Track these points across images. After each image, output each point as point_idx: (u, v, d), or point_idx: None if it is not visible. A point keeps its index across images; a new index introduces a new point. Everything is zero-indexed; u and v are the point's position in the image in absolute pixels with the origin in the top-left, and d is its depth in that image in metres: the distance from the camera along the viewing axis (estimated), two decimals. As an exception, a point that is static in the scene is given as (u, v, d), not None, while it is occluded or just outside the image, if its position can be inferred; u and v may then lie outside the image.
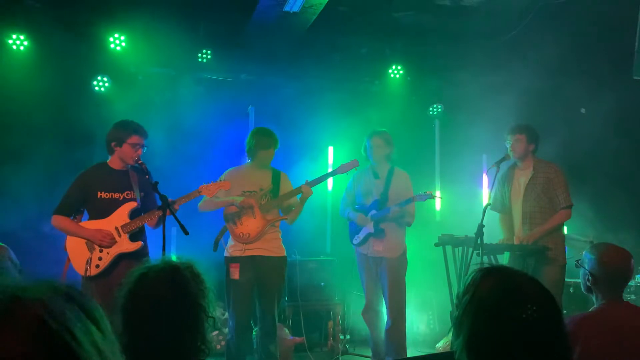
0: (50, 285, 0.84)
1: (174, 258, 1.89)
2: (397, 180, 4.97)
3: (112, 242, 3.87)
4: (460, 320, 1.42)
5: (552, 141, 5.35)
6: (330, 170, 5.68)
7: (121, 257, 3.84)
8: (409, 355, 4.98)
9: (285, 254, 4.57)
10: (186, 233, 3.54)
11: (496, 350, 1.36)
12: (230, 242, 4.48)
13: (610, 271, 2.43)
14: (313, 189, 4.52)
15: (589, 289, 2.49)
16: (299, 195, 4.51)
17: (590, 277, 2.45)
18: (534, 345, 1.35)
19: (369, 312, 4.99)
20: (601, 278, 2.43)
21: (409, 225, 4.98)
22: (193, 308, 1.70)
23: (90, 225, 3.92)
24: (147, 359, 1.63)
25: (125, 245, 3.90)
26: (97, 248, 3.86)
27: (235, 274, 4.35)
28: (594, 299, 2.51)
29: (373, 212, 4.89)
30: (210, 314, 1.73)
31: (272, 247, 4.47)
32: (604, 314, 2.38)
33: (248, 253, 4.39)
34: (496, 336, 1.36)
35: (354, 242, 5.02)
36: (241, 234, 4.41)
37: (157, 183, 3.69)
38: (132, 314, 1.66)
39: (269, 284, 4.43)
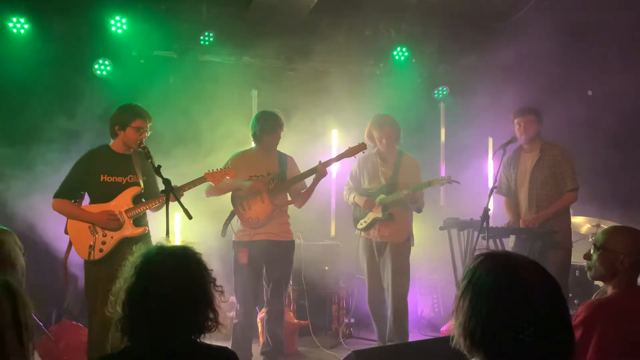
0: None
1: (172, 243, 1.90)
2: (407, 166, 4.91)
3: (119, 225, 3.85)
4: (458, 305, 1.40)
5: (557, 123, 5.29)
6: (336, 152, 5.60)
7: (124, 242, 3.81)
8: (412, 339, 4.98)
9: (293, 238, 4.57)
10: (190, 217, 3.52)
11: (490, 334, 1.33)
12: (239, 226, 4.48)
13: None
14: None
15: (614, 274, 2.36)
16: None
17: (625, 260, 2.33)
18: (534, 332, 1.31)
19: (373, 297, 4.97)
20: (632, 262, 2.35)
21: (420, 211, 4.93)
22: (206, 285, 1.73)
23: (93, 208, 3.89)
24: (158, 338, 1.64)
25: (130, 229, 3.88)
26: (101, 232, 3.83)
27: (243, 258, 4.36)
28: (608, 285, 2.42)
29: (382, 196, 4.85)
30: (218, 286, 1.77)
31: (280, 231, 4.47)
32: (625, 299, 2.32)
33: (256, 238, 4.40)
34: (492, 320, 1.33)
35: (359, 226, 4.98)
36: (250, 219, 4.41)
37: (160, 167, 3.65)
38: (150, 296, 1.65)
39: (277, 268, 4.44)
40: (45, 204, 4.14)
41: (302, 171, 4.55)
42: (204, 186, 4.32)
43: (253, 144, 4.61)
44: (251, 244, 4.39)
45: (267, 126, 4.47)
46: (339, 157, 4.66)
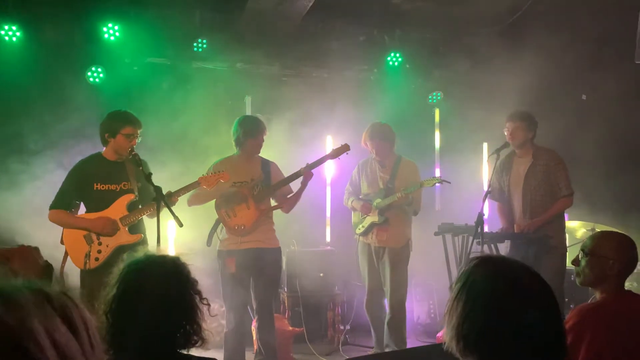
0: None
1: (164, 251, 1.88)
2: (405, 169, 4.90)
3: (115, 230, 3.81)
4: (451, 308, 1.39)
5: (552, 128, 5.29)
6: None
7: (120, 250, 3.78)
8: (409, 345, 4.96)
9: (280, 245, 4.53)
10: (180, 225, 3.50)
11: (484, 339, 1.33)
12: (224, 235, 4.42)
13: (628, 260, 2.35)
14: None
15: (603, 279, 2.34)
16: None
17: (614, 265, 2.32)
18: (528, 338, 1.31)
19: (371, 303, 4.95)
20: (620, 267, 2.33)
21: (416, 213, 4.93)
22: (191, 297, 1.72)
23: (88, 217, 3.88)
24: (142, 349, 1.60)
25: (125, 237, 3.86)
26: (96, 241, 3.81)
27: (231, 267, 4.32)
28: (596, 290, 2.41)
29: (378, 200, 4.83)
30: (204, 299, 1.76)
31: (267, 238, 4.42)
32: (614, 304, 2.31)
33: (244, 246, 4.34)
34: (486, 325, 1.33)
35: (357, 231, 4.96)
36: (236, 226, 4.35)
37: (150, 174, 3.63)
38: (135, 305, 1.64)
39: (265, 275, 4.40)
40: (39, 212, 4.10)
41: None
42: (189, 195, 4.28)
43: (236, 150, 4.55)
44: (238, 253, 4.32)
45: (250, 130, 4.41)
46: (324, 159, 4.58)
